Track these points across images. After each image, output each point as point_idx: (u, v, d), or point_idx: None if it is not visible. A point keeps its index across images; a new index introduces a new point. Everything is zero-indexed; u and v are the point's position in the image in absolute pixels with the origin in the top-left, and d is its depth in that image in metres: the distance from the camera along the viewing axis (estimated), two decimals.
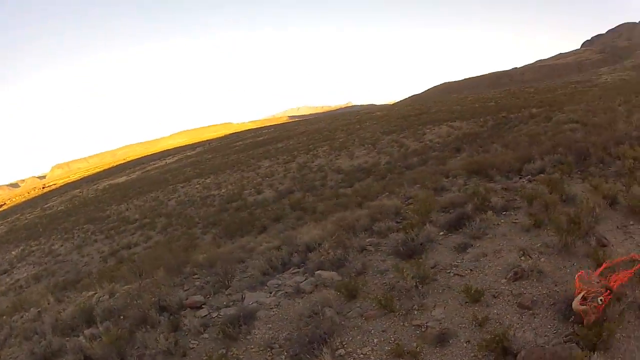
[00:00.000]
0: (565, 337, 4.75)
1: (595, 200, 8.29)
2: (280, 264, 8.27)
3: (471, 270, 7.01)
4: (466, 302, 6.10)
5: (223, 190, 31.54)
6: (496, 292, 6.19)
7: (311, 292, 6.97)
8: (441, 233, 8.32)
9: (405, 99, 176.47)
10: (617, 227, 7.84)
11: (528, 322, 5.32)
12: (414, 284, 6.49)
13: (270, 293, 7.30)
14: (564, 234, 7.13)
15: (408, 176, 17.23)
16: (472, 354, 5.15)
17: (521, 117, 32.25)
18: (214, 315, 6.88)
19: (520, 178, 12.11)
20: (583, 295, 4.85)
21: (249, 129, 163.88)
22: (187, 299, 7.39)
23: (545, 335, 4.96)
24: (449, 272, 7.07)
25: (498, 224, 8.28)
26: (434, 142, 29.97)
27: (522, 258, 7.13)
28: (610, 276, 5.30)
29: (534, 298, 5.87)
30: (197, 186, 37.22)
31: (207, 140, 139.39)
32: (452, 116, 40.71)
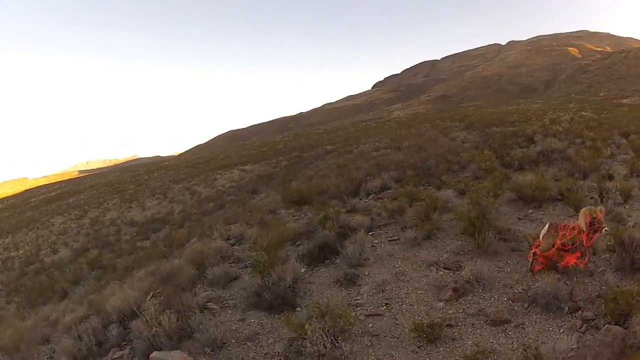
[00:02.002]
0: (580, 328, 5.21)
1: (485, 199, 9.49)
2: (95, 344, 7.47)
3: (387, 304, 6.69)
4: (420, 346, 5.52)
5: (21, 252, 34.39)
6: (449, 320, 5.89)
7: None
8: (303, 269, 8.25)
9: (191, 148, 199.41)
10: (519, 218, 9.35)
11: (522, 335, 5.38)
12: (330, 341, 5.45)
13: None
14: (478, 235, 7.80)
15: (211, 220, 19.81)
16: None
17: (315, 154, 39.18)
18: None
19: (360, 199, 13.38)
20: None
21: (42, 185, 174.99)
22: None
23: (558, 339, 5.07)
24: (356, 315, 6.46)
25: (373, 245, 8.97)
26: (227, 186, 35.89)
27: (441, 272, 7.35)
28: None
29: (506, 309, 5.92)
30: None
31: (5, 197, 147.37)
32: (243, 160, 48.57)
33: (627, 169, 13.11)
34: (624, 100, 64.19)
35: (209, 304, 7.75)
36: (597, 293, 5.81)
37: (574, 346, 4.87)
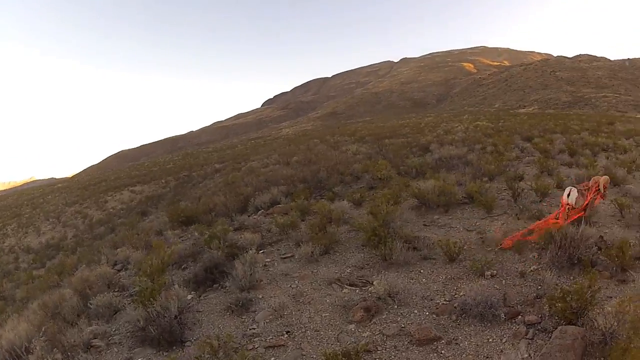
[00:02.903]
0: (526, 335, 4.99)
1: (386, 207, 9.42)
2: None
3: (288, 332, 6.10)
4: None
5: None
6: (367, 346, 5.30)
7: None
8: (189, 296, 7.97)
9: (85, 169, 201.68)
10: (425, 224, 9.32)
11: (458, 352, 4.94)
12: None
13: None
14: (383, 246, 7.58)
15: (101, 245, 19.19)
16: None
17: (204, 173, 40.90)
18: None
19: (249, 216, 13.29)
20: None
21: None
22: None
23: (503, 351, 4.83)
24: (254, 348, 5.84)
25: (266, 265, 8.79)
26: (118, 208, 37.04)
27: (346, 290, 6.94)
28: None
29: (432, 325, 5.48)
30: None
31: None
32: (133, 181, 51.17)
33: (537, 169, 14.02)
34: (522, 110, 70.29)
35: (94, 340, 7.35)
36: (535, 294, 5.72)
37: (526, 356, 4.63)
